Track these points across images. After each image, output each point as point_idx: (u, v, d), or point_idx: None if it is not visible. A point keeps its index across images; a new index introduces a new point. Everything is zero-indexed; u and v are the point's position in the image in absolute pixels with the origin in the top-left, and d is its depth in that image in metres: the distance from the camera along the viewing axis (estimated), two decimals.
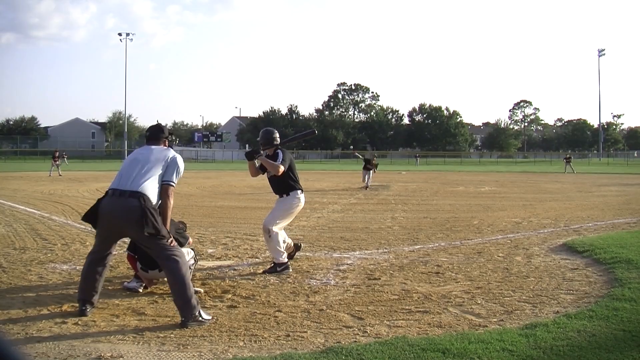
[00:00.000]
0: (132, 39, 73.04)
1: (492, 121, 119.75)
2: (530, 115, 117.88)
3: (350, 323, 4.04)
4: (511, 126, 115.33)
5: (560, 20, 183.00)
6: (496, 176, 30.55)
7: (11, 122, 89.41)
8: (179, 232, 5.07)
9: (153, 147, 4.46)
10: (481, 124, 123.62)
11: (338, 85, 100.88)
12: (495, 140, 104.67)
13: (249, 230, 8.83)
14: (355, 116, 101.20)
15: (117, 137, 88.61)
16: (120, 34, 68.55)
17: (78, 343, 3.60)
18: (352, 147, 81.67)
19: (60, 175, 27.22)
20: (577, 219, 10.32)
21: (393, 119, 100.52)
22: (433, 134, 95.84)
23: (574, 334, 3.65)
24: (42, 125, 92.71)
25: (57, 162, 28.68)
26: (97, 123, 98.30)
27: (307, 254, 6.68)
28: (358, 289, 5.05)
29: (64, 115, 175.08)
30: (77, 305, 4.30)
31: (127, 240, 5.17)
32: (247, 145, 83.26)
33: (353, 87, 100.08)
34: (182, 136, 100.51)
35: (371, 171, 19.35)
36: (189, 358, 3.38)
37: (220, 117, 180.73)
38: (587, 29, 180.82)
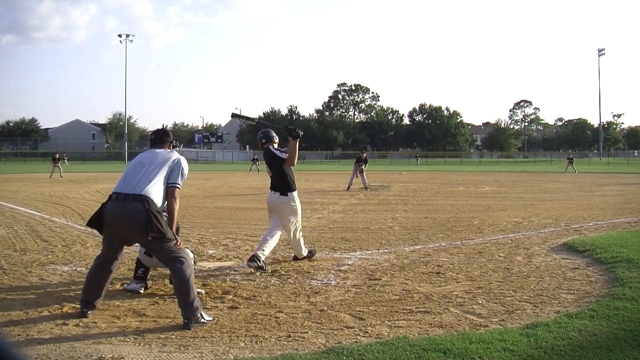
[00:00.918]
0: (132, 40, 72.97)
1: (493, 121, 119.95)
2: (531, 115, 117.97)
3: (351, 323, 4.04)
4: (511, 126, 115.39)
5: (560, 20, 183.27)
6: (496, 176, 30.55)
7: (11, 124, 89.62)
8: None
9: (158, 150, 4.47)
10: (481, 124, 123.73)
11: (338, 85, 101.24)
12: (496, 140, 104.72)
13: (249, 231, 8.83)
14: (356, 116, 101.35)
15: (117, 139, 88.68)
16: (120, 35, 68.64)
17: (79, 344, 3.60)
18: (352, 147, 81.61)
19: (61, 177, 27.25)
20: (577, 218, 10.31)
21: (393, 119, 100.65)
22: (433, 134, 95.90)
23: (575, 333, 3.65)
24: (42, 127, 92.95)
25: (58, 164, 28.81)
26: (97, 124, 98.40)
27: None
28: (359, 289, 5.05)
29: (64, 117, 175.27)
30: (78, 306, 4.30)
31: (147, 246, 5.15)
32: (247, 147, 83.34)
33: (353, 88, 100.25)
34: (183, 137, 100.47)
35: (364, 171, 19.22)
36: (189, 359, 3.38)
37: (221, 118, 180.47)
38: (587, 29, 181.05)
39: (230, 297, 4.82)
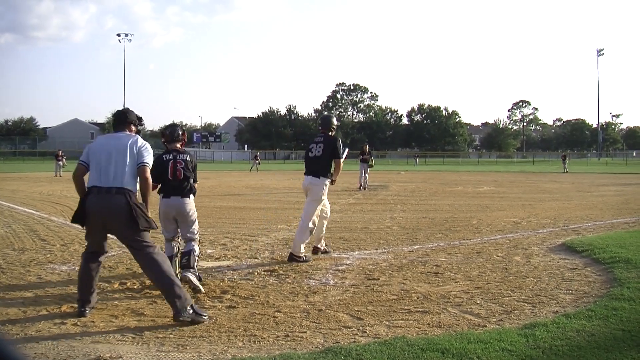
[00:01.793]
0: (130, 40, 73.30)
1: (491, 121, 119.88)
2: (529, 115, 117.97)
3: (349, 323, 4.04)
4: (510, 126, 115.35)
5: (559, 20, 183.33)
6: (495, 176, 30.58)
7: (10, 123, 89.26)
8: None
9: (120, 134, 4.41)
10: (480, 124, 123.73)
11: (337, 85, 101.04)
12: (494, 140, 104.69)
13: (247, 230, 8.83)
14: (354, 116, 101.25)
15: None
16: (119, 35, 68.66)
17: (77, 344, 3.60)
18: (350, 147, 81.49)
19: (60, 176, 27.22)
20: (576, 218, 10.33)
21: (392, 119, 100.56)
22: (432, 134, 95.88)
23: (573, 333, 3.65)
24: (40, 126, 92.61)
25: (60, 162, 29.01)
26: (95, 123, 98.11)
27: (306, 254, 6.67)
28: (357, 289, 5.05)
29: (62, 116, 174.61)
30: (76, 305, 4.30)
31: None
32: (245, 146, 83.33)
33: (352, 87, 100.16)
34: None
35: (367, 168, 19.18)
36: (188, 358, 3.38)
37: (219, 118, 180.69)
38: (586, 29, 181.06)
39: (229, 296, 4.82)
